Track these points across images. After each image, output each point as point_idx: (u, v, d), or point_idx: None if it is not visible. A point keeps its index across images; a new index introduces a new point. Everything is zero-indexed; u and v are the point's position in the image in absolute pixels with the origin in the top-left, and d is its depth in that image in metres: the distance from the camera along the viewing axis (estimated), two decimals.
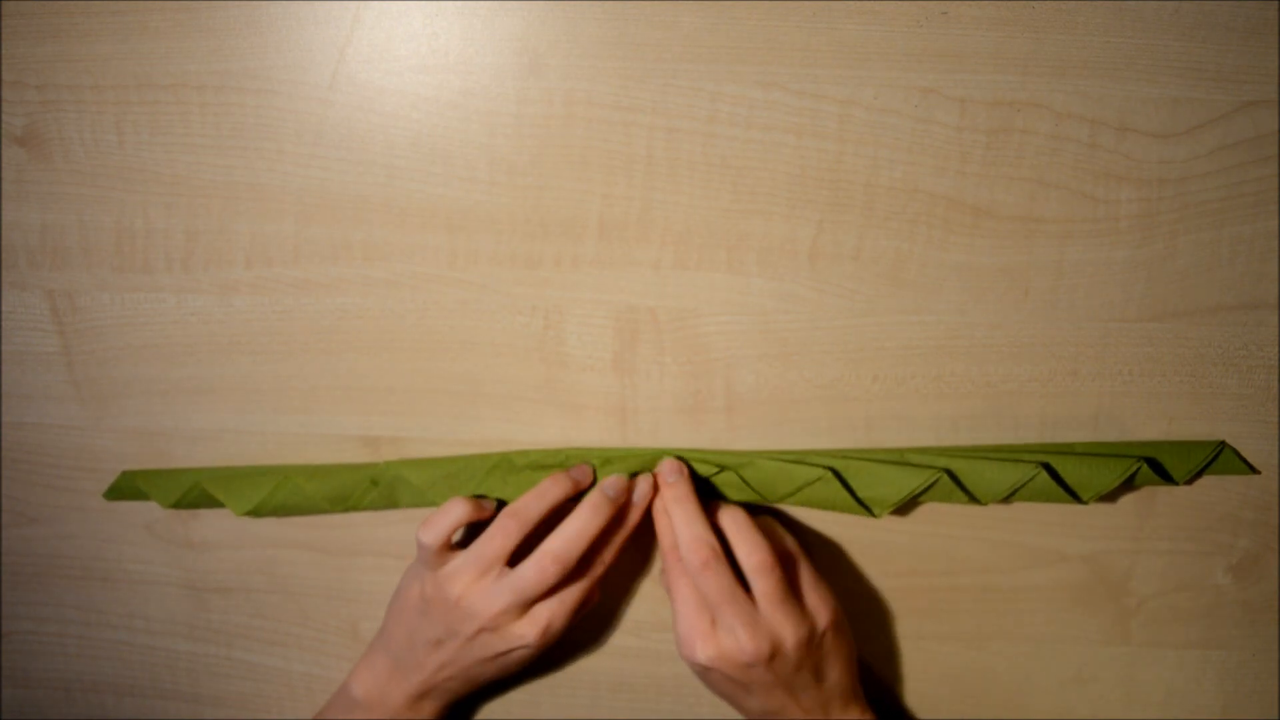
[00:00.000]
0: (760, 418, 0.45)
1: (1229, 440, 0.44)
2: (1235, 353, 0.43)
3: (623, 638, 0.50)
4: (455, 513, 0.43)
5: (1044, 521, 0.46)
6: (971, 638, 0.49)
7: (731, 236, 0.42)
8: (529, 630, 0.42)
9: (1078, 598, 0.48)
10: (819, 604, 0.42)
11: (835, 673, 0.43)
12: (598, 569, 0.43)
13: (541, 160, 0.41)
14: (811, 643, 0.42)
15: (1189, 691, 0.49)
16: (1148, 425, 0.44)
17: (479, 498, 0.44)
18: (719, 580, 0.41)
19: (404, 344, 0.45)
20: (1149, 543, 0.47)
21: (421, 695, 0.45)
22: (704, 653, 0.41)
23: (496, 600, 0.42)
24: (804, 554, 0.44)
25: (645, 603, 0.49)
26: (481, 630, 0.42)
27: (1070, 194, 0.41)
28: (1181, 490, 0.46)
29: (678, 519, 0.42)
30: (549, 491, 0.43)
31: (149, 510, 0.49)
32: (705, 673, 0.42)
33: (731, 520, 0.43)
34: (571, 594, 0.43)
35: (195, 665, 0.52)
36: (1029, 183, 0.41)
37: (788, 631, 0.41)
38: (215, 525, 0.49)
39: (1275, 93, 0.39)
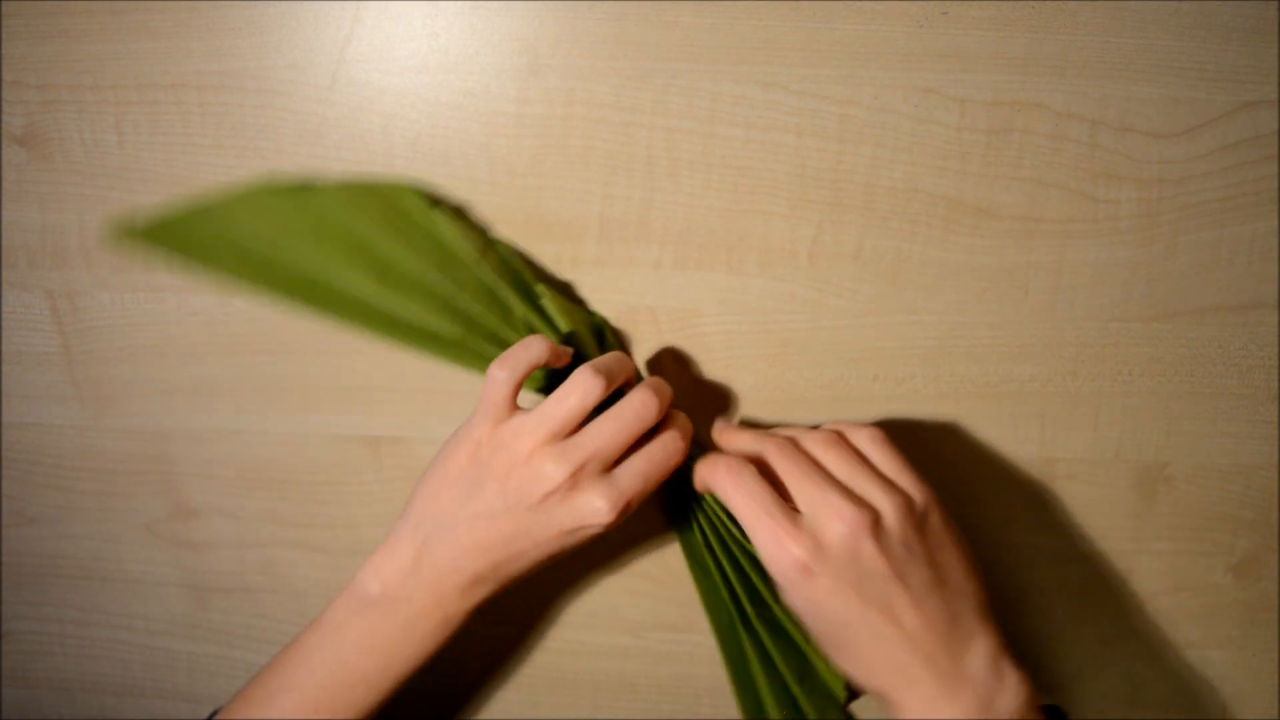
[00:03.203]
0: (760, 418, 0.45)
1: (1228, 440, 0.44)
2: (1235, 353, 0.43)
3: (623, 638, 0.50)
4: (534, 350, 0.37)
5: (1044, 522, 0.46)
6: None
7: (731, 236, 0.42)
8: (604, 504, 0.36)
9: (1078, 598, 0.48)
10: (911, 483, 0.36)
11: (956, 573, 0.36)
12: (680, 437, 0.38)
13: (541, 160, 0.41)
14: (913, 511, 0.35)
15: (1189, 691, 0.49)
16: (1148, 425, 0.44)
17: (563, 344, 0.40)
18: (797, 457, 0.36)
19: None
20: (1149, 543, 0.47)
21: (460, 585, 0.37)
22: (800, 549, 0.34)
23: (573, 458, 0.36)
24: (886, 438, 0.38)
25: (645, 602, 0.49)
26: (549, 496, 0.36)
27: (1070, 194, 0.41)
28: (1181, 490, 0.46)
29: (742, 436, 0.39)
30: (629, 361, 0.39)
31: (149, 510, 0.49)
32: (808, 582, 0.34)
33: (786, 427, 0.40)
34: (653, 468, 0.37)
35: (195, 665, 0.52)
36: (1029, 183, 0.41)
37: (879, 495, 0.35)
38: (215, 525, 0.49)
39: (1275, 93, 0.39)
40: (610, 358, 0.38)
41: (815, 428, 0.39)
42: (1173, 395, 0.44)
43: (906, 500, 0.35)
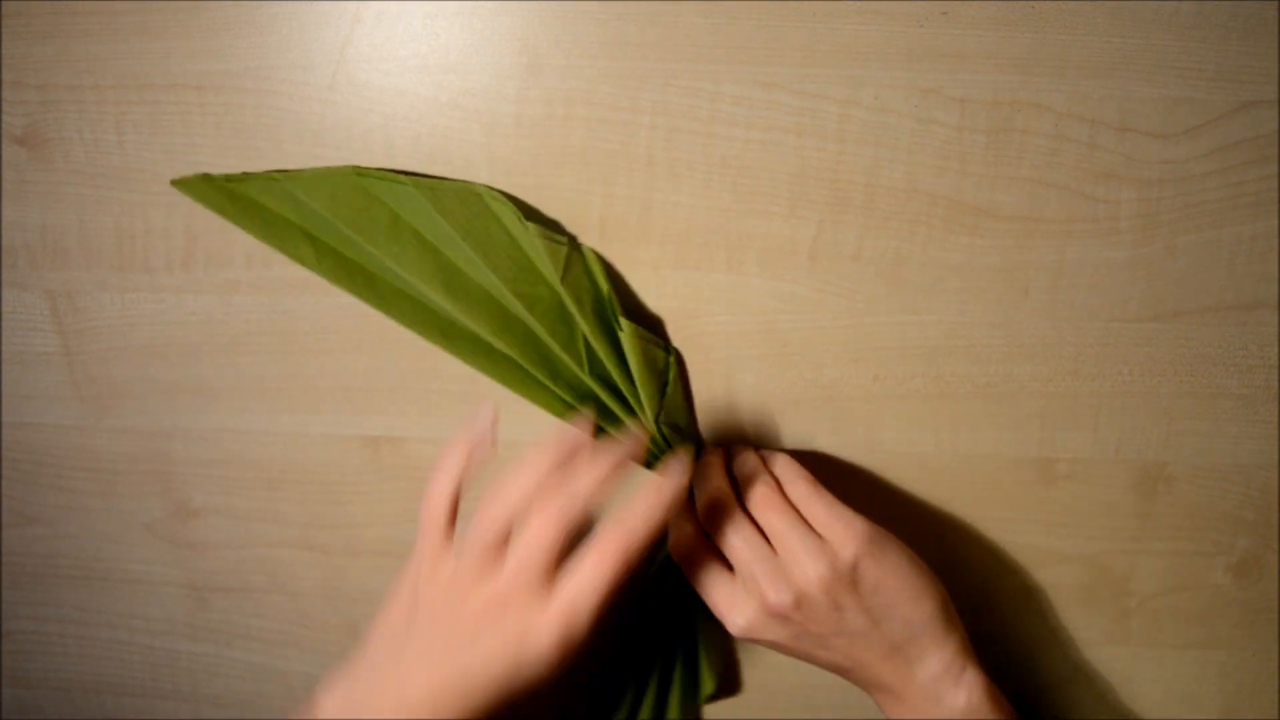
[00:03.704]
0: (760, 418, 0.45)
1: (1228, 440, 0.44)
2: (1235, 353, 0.43)
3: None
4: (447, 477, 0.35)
5: (1044, 521, 0.46)
6: (971, 638, 0.49)
7: (731, 236, 0.42)
8: (542, 619, 0.32)
9: (1078, 598, 0.48)
10: (841, 534, 0.37)
11: (900, 607, 0.37)
12: (629, 534, 0.33)
13: (541, 160, 0.41)
14: (837, 579, 0.36)
15: (1189, 691, 0.49)
16: (1148, 425, 0.44)
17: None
18: (739, 529, 0.38)
19: (404, 344, 0.44)
20: (1149, 543, 0.47)
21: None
22: (739, 624, 0.37)
23: (496, 573, 0.33)
24: (817, 487, 0.39)
25: None
26: (485, 613, 0.32)
27: (1070, 194, 0.41)
28: (1181, 490, 0.46)
29: (698, 492, 0.40)
30: (527, 466, 0.34)
31: (149, 510, 0.49)
32: (756, 644, 0.38)
33: (740, 463, 0.41)
34: (599, 569, 0.32)
35: (195, 665, 0.52)
36: (1029, 183, 0.41)
37: (805, 570, 0.36)
38: (215, 525, 0.49)
39: (1275, 93, 0.39)
40: (506, 481, 0.34)
41: (758, 452, 0.41)
42: (1173, 395, 0.44)
43: (829, 564, 0.36)
